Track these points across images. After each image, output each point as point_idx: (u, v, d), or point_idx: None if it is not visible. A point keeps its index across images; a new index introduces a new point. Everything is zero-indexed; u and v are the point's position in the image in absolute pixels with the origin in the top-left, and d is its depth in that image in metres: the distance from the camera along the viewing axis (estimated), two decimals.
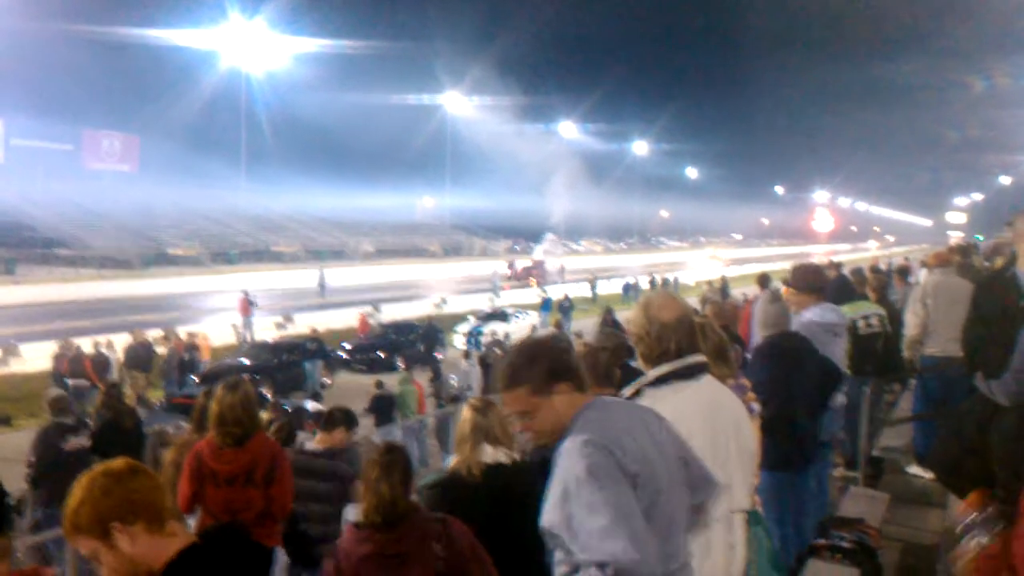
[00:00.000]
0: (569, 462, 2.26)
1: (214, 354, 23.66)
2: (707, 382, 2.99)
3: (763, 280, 9.70)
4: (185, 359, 20.30)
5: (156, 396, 18.79)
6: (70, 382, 17.17)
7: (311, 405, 13.91)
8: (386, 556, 3.48)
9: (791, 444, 4.76)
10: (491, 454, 3.90)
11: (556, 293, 39.56)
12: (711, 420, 2.91)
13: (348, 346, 25.94)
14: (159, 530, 2.20)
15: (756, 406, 3.83)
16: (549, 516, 2.28)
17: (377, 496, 3.51)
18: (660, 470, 2.36)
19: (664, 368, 2.90)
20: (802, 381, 4.94)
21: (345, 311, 33.83)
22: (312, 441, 6.09)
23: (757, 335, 8.46)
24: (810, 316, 5.71)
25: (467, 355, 19.18)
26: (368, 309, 31.36)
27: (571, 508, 2.21)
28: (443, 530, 3.48)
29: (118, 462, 2.25)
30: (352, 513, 4.86)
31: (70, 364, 18.08)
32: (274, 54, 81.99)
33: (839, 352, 5.80)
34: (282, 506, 4.97)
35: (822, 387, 5.18)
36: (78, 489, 2.20)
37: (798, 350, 5.09)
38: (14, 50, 63.52)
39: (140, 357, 19.34)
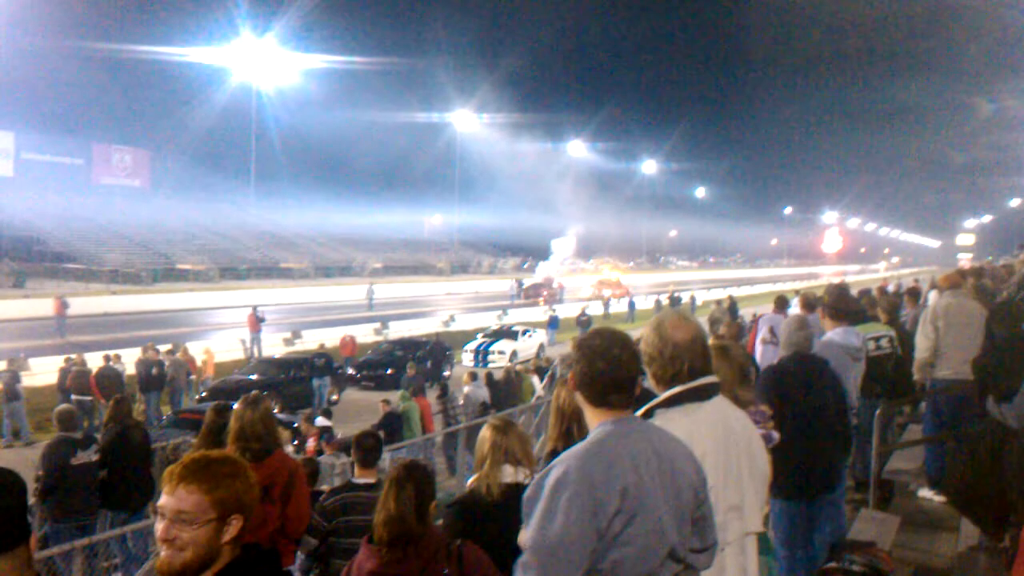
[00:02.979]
0: (552, 480, 2.29)
1: (223, 370, 23.70)
2: (719, 404, 2.94)
3: (780, 302, 9.67)
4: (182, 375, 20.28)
5: (162, 410, 18.78)
6: (74, 397, 17.13)
7: (320, 421, 13.87)
8: None
9: (800, 472, 4.67)
10: (511, 474, 3.85)
11: (571, 310, 39.66)
12: (723, 442, 2.86)
13: (356, 362, 25.91)
14: (240, 540, 2.22)
15: (776, 434, 3.77)
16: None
17: (385, 512, 3.39)
18: (654, 503, 2.31)
19: (676, 389, 2.84)
20: (816, 406, 4.86)
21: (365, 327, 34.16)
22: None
23: (759, 354, 8.49)
24: (832, 337, 5.69)
25: (474, 376, 19.09)
26: (377, 327, 31.31)
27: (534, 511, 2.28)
28: (455, 555, 3.36)
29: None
30: None
31: (74, 379, 18.02)
32: (284, 71, 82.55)
33: (856, 377, 5.77)
34: (297, 525, 4.89)
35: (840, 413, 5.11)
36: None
37: (811, 373, 5.01)
38: (25, 64, 64.09)
39: (150, 372, 19.34)
